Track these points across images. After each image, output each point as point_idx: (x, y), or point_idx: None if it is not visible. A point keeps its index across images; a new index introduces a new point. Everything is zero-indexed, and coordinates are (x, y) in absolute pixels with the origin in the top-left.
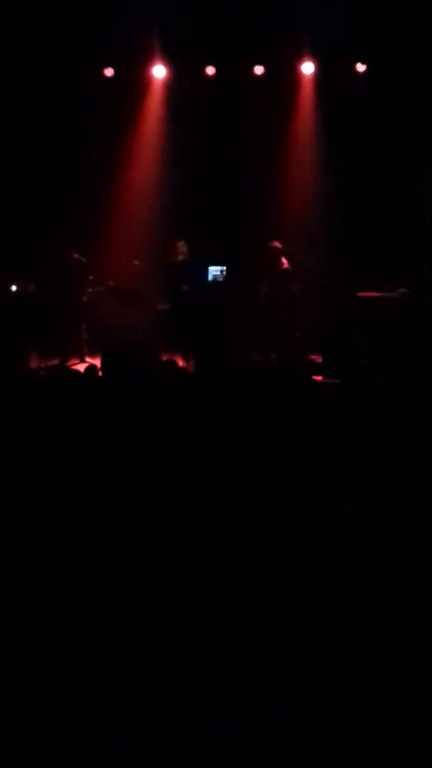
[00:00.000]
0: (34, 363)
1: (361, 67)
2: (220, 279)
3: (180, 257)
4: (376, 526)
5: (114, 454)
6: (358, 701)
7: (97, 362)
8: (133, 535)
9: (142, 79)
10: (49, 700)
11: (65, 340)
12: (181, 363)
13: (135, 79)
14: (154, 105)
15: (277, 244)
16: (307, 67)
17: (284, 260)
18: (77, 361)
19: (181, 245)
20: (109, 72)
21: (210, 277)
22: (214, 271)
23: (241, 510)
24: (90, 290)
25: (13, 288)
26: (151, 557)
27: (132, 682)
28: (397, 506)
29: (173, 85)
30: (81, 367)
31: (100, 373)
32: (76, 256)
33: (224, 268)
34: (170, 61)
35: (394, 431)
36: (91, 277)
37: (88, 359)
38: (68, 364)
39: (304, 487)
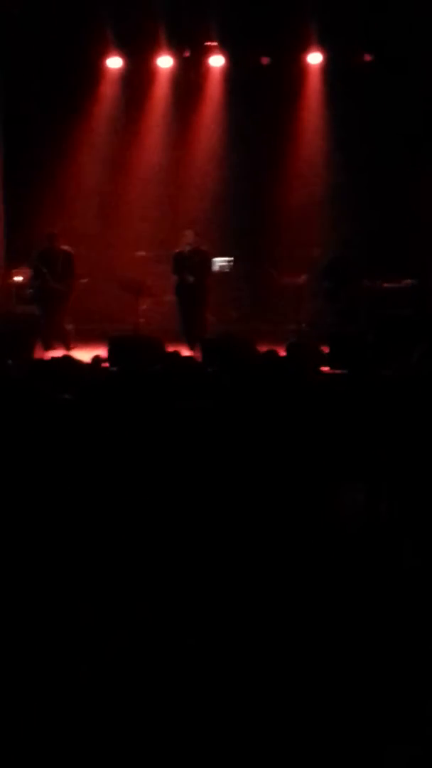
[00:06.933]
0: (38, 353)
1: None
2: (227, 270)
3: (186, 247)
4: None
5: (127, 445)
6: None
7: (85, 353)
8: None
9: (149, 69)
10: (48, 700)
11: (57, 331)
12: (186, 353)
13: (142, 69)
14: (160, 96)
15: None
16: (314, 58)
17: None
18: (64, 350)
19: (189, 234)
20: (115, 62)
21: (216, 268)
22: (221, 261)
23: (251, 500)
24: (79, 281)
25: (16, 279)
26: (155, 548)
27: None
28: (405, 491)
29: (179, 75)
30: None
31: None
32: (64, 247)
33: (231, 258)
34: (176, 52)
35: (401, 422)
36: (77, 273)
37: (75, 349)
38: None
39: (313, 473)
